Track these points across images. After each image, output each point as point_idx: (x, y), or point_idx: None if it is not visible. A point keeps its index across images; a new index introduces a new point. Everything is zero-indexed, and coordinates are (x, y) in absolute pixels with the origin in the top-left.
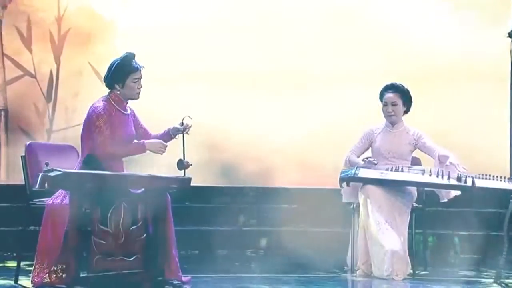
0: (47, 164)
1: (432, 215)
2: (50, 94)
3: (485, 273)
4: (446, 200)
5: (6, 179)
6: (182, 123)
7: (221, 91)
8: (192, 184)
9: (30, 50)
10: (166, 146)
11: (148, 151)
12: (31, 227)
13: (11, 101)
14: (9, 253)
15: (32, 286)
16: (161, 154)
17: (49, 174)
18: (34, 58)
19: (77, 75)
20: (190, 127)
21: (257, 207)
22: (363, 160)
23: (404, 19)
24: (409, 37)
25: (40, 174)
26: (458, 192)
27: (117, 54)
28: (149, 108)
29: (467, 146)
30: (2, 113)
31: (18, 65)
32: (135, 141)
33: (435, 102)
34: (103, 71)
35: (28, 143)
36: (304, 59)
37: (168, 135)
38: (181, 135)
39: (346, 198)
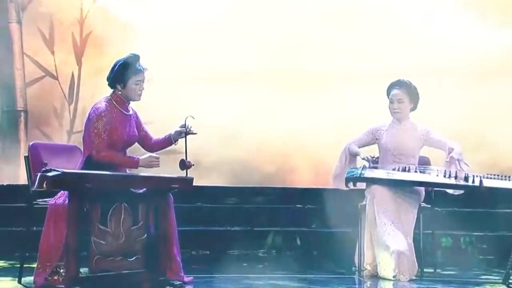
0: (45, 164)
1: (441, 215)
2: (72, 95)
3: (495, 274)
4: (461, 192)
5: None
6: (184, 125)
7: (236, 91)
8: (205, 184)
9: (52, 52)
10: (158, 158)
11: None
12: (35, 227)
13: (30, 102)
14: (13, 253)
15: (34, 286)
16: (157, 167)
17: (47, 174)
18: (55, 60)
19: (96, 76)
20: (191, 127)
21: (270, 207)
22: (364, 157)
23: (417, 18)
24: (423, 36)
25: (38, 174)
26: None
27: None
28: (163, 107)
29: (484, 145)
30: (22, 114)
31: (39, 66)
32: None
33: (455, 102)
34: None
35: (31, 143)
36: (317, 59)
37: (170, 140)
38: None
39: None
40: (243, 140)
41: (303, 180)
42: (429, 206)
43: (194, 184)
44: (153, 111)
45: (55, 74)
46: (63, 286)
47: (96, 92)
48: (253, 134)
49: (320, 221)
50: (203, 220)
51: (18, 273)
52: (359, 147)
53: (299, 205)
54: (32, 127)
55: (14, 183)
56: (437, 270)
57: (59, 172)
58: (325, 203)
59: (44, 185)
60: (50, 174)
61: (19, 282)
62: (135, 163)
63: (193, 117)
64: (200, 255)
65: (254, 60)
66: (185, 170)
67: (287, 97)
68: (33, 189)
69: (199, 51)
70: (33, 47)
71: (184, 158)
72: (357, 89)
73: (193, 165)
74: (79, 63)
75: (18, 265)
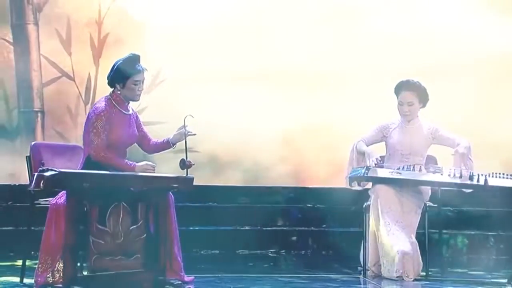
0: (42, 164)
1: (448, 214)
2: (88, 96)
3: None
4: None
5: None
6: (184, 123)
7: (249, 91)
8: (218, 184)
9: (70, 53)
10: (154, 166)
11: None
12: (37, 227)
13: (47, 103)
14: (15, 253)
15: (35, 285)
16: (151, 173)
17: (44, 173)
18: (72, 61)
19: None
20: (188, 129)
21: (280, 207)
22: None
23: (429, 16)
24: (433, 33)
25: (35, 174)
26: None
27: (152, 56)
28: (178, 107)
29: (498, 145)
30: (39, 114)
31: (56, 67)
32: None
33: (463, 100)
34: None
35: (33, 143)
36: (330, 57)
37: (168, 144)
38: (183, 128)
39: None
40: (256, 140)
41: (316, 179)
42: (435, 205)
43: (207, 184)
44: (168, 111)
45: (71, 75)
46: (60, 285)
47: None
48: (265, 133)
49: (330, 221)
50: (214, 220)
51: (20, 273)
52: (368, 145)
53: (309, 205)
54: (48, 127)
55: (17, 183)
56: (445, 270)
57: (56, 172)
58: (336, 203)
59: (41, 185)
60: (47, 173)
61: (21, 281)
62: (131, 170)
63: (192, 116)
64: (209, 254)
65: (267, 60)
66: (185, 170)
67: (302, 95)
68: (30, 188)
69: (216, 51)
70: (50, 48)
71: (185, 158)
72: (371, 88)
73: (193, 164)
74: (96, 63)
75: (21, 265)
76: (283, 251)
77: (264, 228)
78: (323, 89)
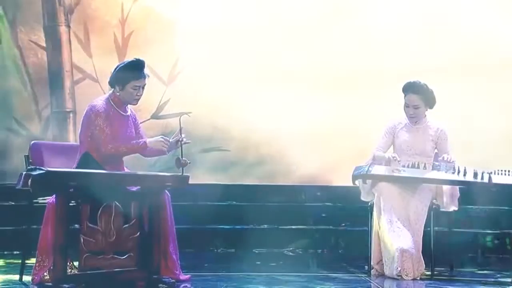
0: (30, 163)
1: (456, 212)
2: None
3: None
4: (448, 210)
5: None
6: (180, 126)
7: (274, 90)
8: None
9: (90, 55)
10: (168, 141)
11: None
12: (35, 226)
13: (78, 103)
14: (14, 251)
15: (32, 283)
16: (164, 149)
17: (31, 172)
18: (99, 62)
19: None
20: (184, 137)
21: (300, 205)
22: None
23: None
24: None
25: (23, 173)
26: (456, 208)
27: (177, 55)
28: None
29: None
30: (71, 115)
31: (79, 69)
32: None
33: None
34: (162, 72)
35: (32, 142)
36: (357, 56)
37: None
38: (178, 135)
39: (364, 196)
40: (280, 139)
41: (340, 179)
42: None
43: (228, 183)
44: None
45: (95, 77)
46: (49, 284)
47: None
48: (289, 133)
49: (349, 220)
50: (232, 218)
51: (19, 271)
52: (385, 151)
53: (329, 203)
54: (79, 127)
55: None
56: (452, 269)
57: (43, 171)
58: (355, 202)
59: (29, 184)
60: (34, 172)
61: (20, 280)
62: (143, 148)
63: (188, 115)
64: (225, 253)
65: (293, 60)
66: (181, 168)
67: (328, 95)
68: (17, 187)
69: (242, 52)
70: (79, 48)
71: (180, 156)
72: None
73: (189, 162)
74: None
75: (20, 263)
76: (300, 250)
77: (281, 227)
78: (349, 89)
